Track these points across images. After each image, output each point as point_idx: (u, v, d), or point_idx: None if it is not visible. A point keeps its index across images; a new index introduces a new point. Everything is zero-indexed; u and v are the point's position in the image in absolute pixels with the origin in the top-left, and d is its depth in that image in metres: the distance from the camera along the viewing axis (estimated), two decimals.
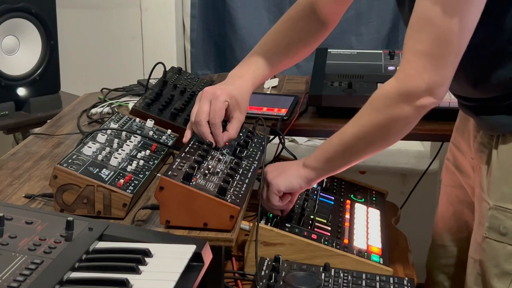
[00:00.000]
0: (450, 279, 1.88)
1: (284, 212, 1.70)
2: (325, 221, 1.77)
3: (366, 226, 1.82)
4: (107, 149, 1.57)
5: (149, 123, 1.78)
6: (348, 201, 1.93)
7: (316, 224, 1.74)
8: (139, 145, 1.66)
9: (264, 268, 1.58)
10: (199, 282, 1.18)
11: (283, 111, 2.14)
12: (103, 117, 2.07)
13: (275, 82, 2.47)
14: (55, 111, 2.35)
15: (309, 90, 2.20)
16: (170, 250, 1.20)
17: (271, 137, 2.09)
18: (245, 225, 1.69)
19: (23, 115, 2.59)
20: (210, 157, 1.56)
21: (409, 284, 1.58)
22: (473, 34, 1.40)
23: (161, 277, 1.11)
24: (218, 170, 1.52)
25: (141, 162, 1.58)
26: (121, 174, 1.50)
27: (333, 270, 1.59)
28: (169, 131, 1.78)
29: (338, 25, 1.82)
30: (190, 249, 1.20)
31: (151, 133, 1.75)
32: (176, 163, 1.48)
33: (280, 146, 2.01)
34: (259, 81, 1.76)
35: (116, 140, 1.62)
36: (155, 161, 1.62)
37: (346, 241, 1.71)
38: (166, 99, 1.93)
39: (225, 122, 1.65)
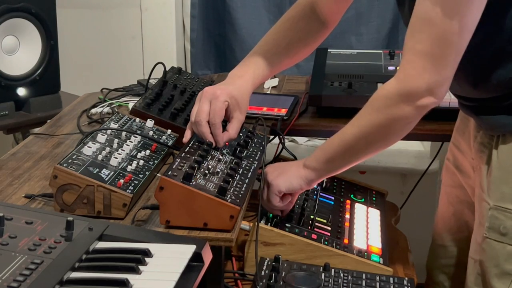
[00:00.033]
0: (450, 279, 1.88)
1: (284, 212, 1.70)
2: (325, 221, 1.77)
3: (366, 226, 1.82)
4: (107, 149, 1.57)
5: (149, 123, 1.78)
6: (348, 201, 1.93)
7: (316, 224, 1.74)
8: (139, 145, 1.66)
9: (264, 268, 1.58)
10: (199, 282, 1.18)
11: (283, 111, 2.14)
12: (103, 117, 2.07)
13: (275, 82, 2.47)
14: (55, 111, 2.35)
15: (309, 90, 2.19)
16: (170, 250, 1.20)
17: (271, 137, 2.09)
18: (245, 225, 1.69)
19: (23, 115, 2.59)
20: (210, 157, 1.56)
21: (409, 284, 1.58)
22: (473, 34, 1.40)
23: (161, 277, 1.11)
24: (218, 170, 1.52)
25: (141, 162, 1.58)
26: (121, 174, 1.50)
27: (333, 270, 1.59)
28: (169, 131, 1.78)
29: (338, 25, 1.82)
30: (190, 249, 1.20)
31: (151, 133, 1.75)
32: (176, 163, 1.48)
33: (280, 146, 2.01)
34: (259, 81, 1.76)
35: (116, 140, 1.62)
36: (155, 161, 1.62)
37: (346, 241, 1.71)
38: (166, 99, 1.93)
39: (225, 122, 1.65)
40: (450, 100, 1.92)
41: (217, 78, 2.41)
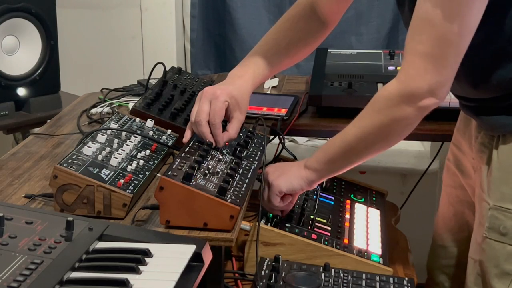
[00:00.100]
0: (450, 280, 1.88)
1: (284, 212, 1.70)
2: (325, 221, 1.77)
3: (366, 226, 1.82)
4: (107, 149, 1.57)
5: (149, 123, 1.78)
6: (348, 201, 1.93)
7: (316, 224, 1.74)
8: (139, 145, 1.66)
9: (264, 268, 1.58)
10: (199, 282, 1.18)
11: (283, 111, 2.14)
12: (103, 117, 2.07)
13: (275, 82, 2.47)
14: (55, 111, 2.35)
15: (309, 90, 2.19)
16: (170, 250, 1.20)
17: (271, 137, 2.09)
18: (245, 225, 1.69)
19: (23, 115, 2.59)
20: (210, 157, 1.56)
21: (409, 284, 1.58)
22: (473, 35, 1.40)
23: (161, 277, 1.11)
24: (218, 170, 1.52)
25: (141, 162, 1.58)
26: (121, 174, 1.50)
27: (333, 270, 1.59)
28: (169, 131, 1.78)
29: (338, 25, 1.82)
30: (190, 249, 1.20)
31: (151, 133, 1.75)
32: (176, 163, 1.48)
33: (280, 146, 2.01)
34: (259, 81, 1.76)
35: (116, 140, 1.62)
36: (155, 161, 1.62)
37: (346, 241, 1.71)
38: (166, 99, 1.93)
39: (225, 122, 1.65)
40: (450, 100, 1.92)
41: (217, 78, 2.41)
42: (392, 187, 2.27)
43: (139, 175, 1.53)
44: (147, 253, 1.17)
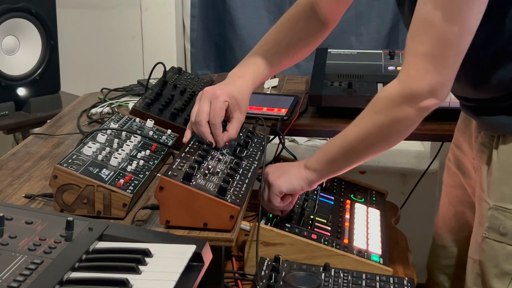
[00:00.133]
0: (450, 280, 1.88)
1: (284, 212, 1.70)
2: (325, 221, 1.77)
3: (366, 226, 1.82)
4: (107, 149, 1.57)
5: (149, 123, 1.78)
6: (348, 201, 1.93)
7: (316, 224, 1.74)
8: (139, 145, 1.66)
9: (264, 268, 1.58)
10: (199, 282, 1.18)
11: (283, 111, 2.14)
12: (103, 117, 2.07)
13: (275, 82, 2.47)
14: (55, 111, 2.35)
15: (309, 90, 2.19)
16: (170, 250, 1.20)
17: (271, 137, 2.09)
18: (245, 225, 1.69)
19: (23, 115, 2.59)
20: (210, 157, 1.56)
21: (409, 284, 1.58)
22: (474, 35, 1.40)
23: (161, 277, 1.11)
24: (218, 170, 1.52)
25: (141, 162, 1.58)
26: (121, 174, 1.50)
27: (333, 270, 1.59)
28: (169, 131, 1.78)
29: (338, 25, 1.82)
30: (190, 249, 1.20)
31: (151, 133, 1.75)
32: (176, 163, 1.48)
33: (280, 146, 2.01)
34: (259, 81, 1.76)
35: (116, 140, 1.62)
36: (155, 161, 1.62)
37: (346, 241, 1.71)
38: (166, 99, 1.93)
39: (225, 122, 1.65)
40: (450, 100, 1.92)
41: (217, 78, 2.41)
42: (392, 187, 2.27)
43: (139, 175, 1.53)
44: (147, 253, 1.17)
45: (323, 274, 1.57)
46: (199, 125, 1.61)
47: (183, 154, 1.54)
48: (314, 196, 1.89)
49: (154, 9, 3.16)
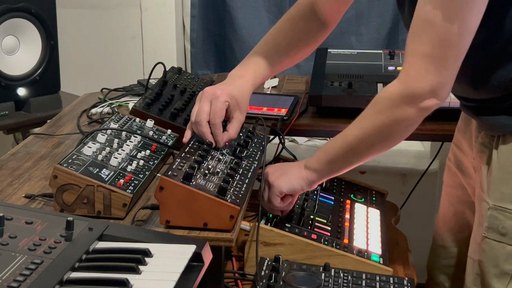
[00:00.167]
0: (450, 280, 1.88)
1: (284, 212, 1.70)
2: (325, 221, 1.77)
3: (366, 226, 1.82)
4: (107, 149, 1.57)
5: (149, 123, 1.78)
6: (348, 201, 1.93)
7: (316, 224, 1.74)
8: (139, 145, 1.66)
9: (264, 268, 1.58)
10: (199, 282, 1.18)
11: (283, 111, 2.14)
12: (103, 117, 2.07)
13: (275, 82, 2.47)
14: (55, 111, 2.35)
15: (309, 90, 2.19)
16: (170, 250, 1.20)
17: (271, 137, 2.09)
18: (245, 225, 1.69)
19: (23, 115, 2.59)
20: (210, 157, 1.56)
21: (409, 284, 1.58)
22: (474, 35, 1.41)
23: (161, 277, 1.11)
24: (218, 170, 1.52)
25: (141, 162, 1.58)
26: (121, 174, 1.50)
27: (333, 270, 1.59)
28: (169, 131, 1.78)
29: (338, 25, 1.82)
30: (190, 249, 1.20)
31: (151, 133, 1.75)
32: (176, 163, 1.48)
33: (280, 146, 2.01)
34: (260, 81, 1.76)
35: (116, 140, 1.62)
36: (155, 161, 1.62)
37: (346, 241, 1.71)
38: (166, 99, 1.93)
39: (225, 122, 1.65)
40: (450, 100, 1.92)
41: (217, 78, 2.41)
42: (392, 187, 2.27)
43: (139, 175, 1.53)
44: (147, 253, 1.17)
45: (323, 274, 1.57)
46: (199, 125, 1.61)
47: (183, 154, 1.54)
48: (314, 196, 1.89)
49: (154, 9, 3.16)
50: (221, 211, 1.39)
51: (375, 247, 1.72)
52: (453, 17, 1.37)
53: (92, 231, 1.23)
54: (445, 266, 1.88)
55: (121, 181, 1.47)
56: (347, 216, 1.85)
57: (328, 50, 2.49)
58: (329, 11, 1.76)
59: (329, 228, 1.74)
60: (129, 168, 1.53)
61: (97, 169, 1.48)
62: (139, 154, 1.61)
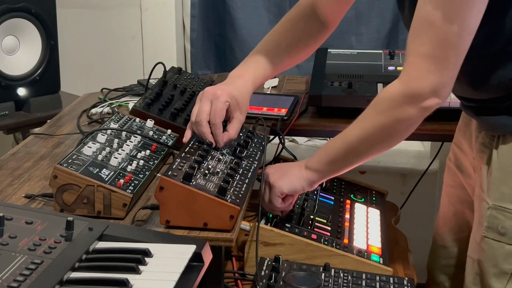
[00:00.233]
0: (451, 280, 1.88)
1: (284, 212, 1.70)
2: (325, 221, 1.77)
3: (366, 226, 1.82)
4: (107, 149, 1.57)
5: (149, 123, 1.78)
6: (348, 201, 1.93)
7: (316, 224, 1.74)
8: (139, 145, 1.66)
9: (264, 268, 1.58)
10: (199, 282, 1.18)
11: (283, 111, 2.14)
12: (103, 117, 2.07)
13: (275, 82, 2.47)
14: (55, 111, 2.35)
15: (309, 90, 2.19)
16: (170, 250, 1.20)
17: (271, 137, 2.09)
18: (245, 225, 1.69)
19: (23, 115, 2.59)
20: (210, 157, 1.56)
21: (409, 284, 1.58)
22: (474, 35, 1.41)
23: (161, 277, 1.11)
24: (218, 170, 1.52)
25: (141, 162, 1.58)
26: (121, 174, 1.50)
27: (333, 270, 1.59)
28: (169, 131, 1.78)
29: (338, 25, 1.82)
30: (190, 249, 1.20)
31: (151, 133, 1.75)
32: (176, 163, 1.48)
33: (280, 146, 2.01)
34: (260, 82, 1.76)
35: (116, 140, 1.62)
36: (155, 161, 1.62)
37: (346, 241, 1.71)
38: (166, 99, 1.93)
39: (225, 122, 1.65)
40: (450, 100, 1.92)
41: (217, 78, 2.41)
42: (392, 187, 2.27)
43: (139, 175, 1.53)
44: (147, 253, 1.17)
45: (323, 274, 1.57)
46: (199, 125, 1.61)
47: (183, 154, 1.54)
48: (314, 196, 1.89)
49: (154, 9, 3.16)
50: (221, 211, 1.39)
51: (375, 247, 1.72)
52: (453, 17, 1.37)
53: (92, 231, 1.23)
54: (445, 266, 1.88)
55: (121, 181, 1.47)
56: (347, 216, 1.85)
57: (328, 50, 2.49)
58: (329, 11, 1.76)
59: (329, 228, 1.74)
60: (129, 168, 1.53)
61: (97, 169, 1.48)
62: (139, 154, 1.61)
